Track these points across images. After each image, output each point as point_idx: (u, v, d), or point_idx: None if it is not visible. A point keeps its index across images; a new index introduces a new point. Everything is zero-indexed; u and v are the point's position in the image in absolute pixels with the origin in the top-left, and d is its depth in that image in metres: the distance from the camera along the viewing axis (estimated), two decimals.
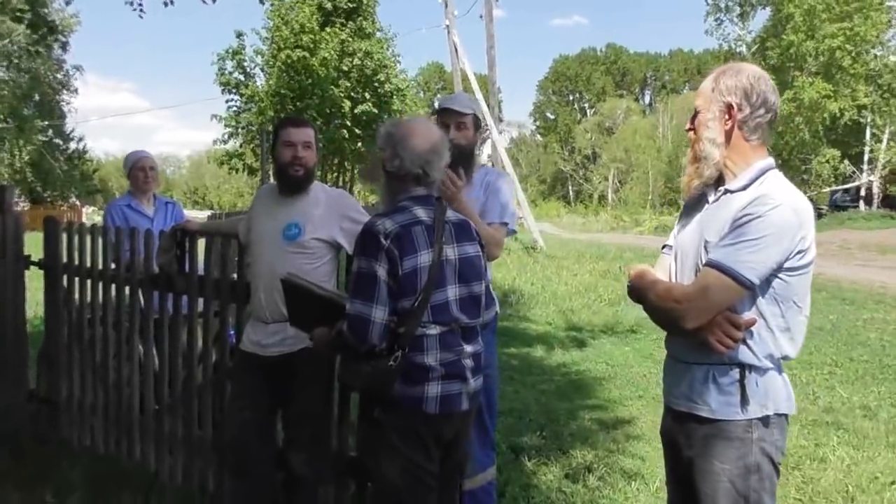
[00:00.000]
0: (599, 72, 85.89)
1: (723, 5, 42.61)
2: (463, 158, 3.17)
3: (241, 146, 24.48)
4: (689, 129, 2.19)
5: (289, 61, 20.24)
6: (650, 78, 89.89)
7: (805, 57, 37.72)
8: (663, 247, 2.36)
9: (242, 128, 23.53)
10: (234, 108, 24.38)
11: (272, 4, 21.25)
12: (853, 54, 37.28)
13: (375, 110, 22.78)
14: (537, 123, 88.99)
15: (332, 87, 20.25)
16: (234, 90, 23.84)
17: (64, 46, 37.67)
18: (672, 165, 58.74)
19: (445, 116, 3.23)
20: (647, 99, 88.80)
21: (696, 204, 2.21)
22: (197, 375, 3.74)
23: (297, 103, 20.42)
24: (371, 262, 2.25)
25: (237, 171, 25.39)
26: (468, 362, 2.44)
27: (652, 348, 7.84)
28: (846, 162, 39.92)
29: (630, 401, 5.74)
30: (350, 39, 21.55)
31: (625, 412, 5.42)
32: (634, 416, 5.31)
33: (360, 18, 22.51)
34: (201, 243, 3.66)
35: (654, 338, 8.52)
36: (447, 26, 20.29)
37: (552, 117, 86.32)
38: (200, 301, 3.68)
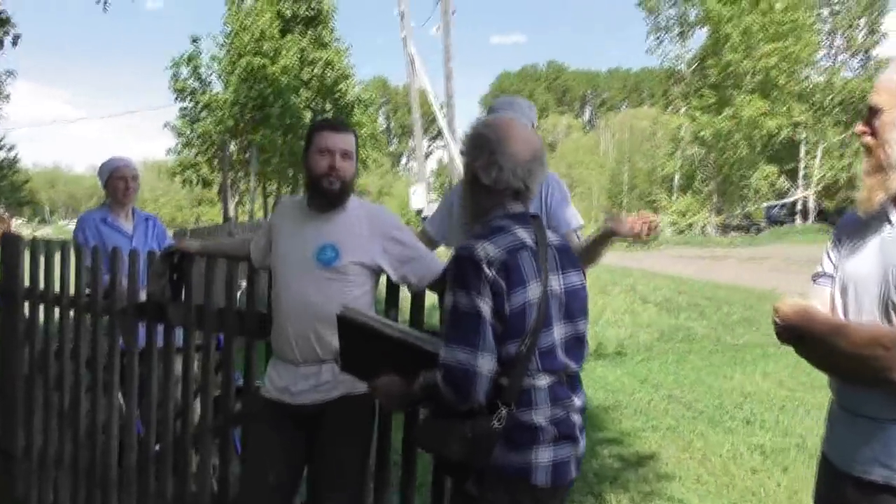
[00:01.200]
0: (541, 88, 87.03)
1: (663, 25, 43.55)
2: None
3: (196, 156, 23.35)
4: (866, 133, 1.78)
5: (249, 68, 19.41)
6: (590, 95, 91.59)
7: (743, 75, 38.72)
8: (816, 276, 1.95)
9: (197, 137, 22.45)
10: (189, 117, 23.27)
11: (229, 9, 20.38)
12: (788, 73, 38.48)
13: None
14: None
15: (293, 96, 19.53)
16: (189, 97, 22.79)
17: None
18: (614, 181, 59.62)
19: None
20: (587, 116, 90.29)
21: (864, 225, 1.81)
22: (192, 419, 3.17)
23: (258, 112, 19.55)
24: (473, 298, 1.78)
25: (191, 182, 24.27)
26: (577, 419, 1.97)
27: (644, 372, 7.51)
28: (783, 177, 41.17)
29: (644, 433, 5.35)
30: (310, 48, 20.87)
31: (644, 447, 5.03)
32: (655, 452, 4.92)
33: (320, 27, 21.89)
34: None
35: (639, 360, 8.24)
36: (404, 38, 19.88)
37: None
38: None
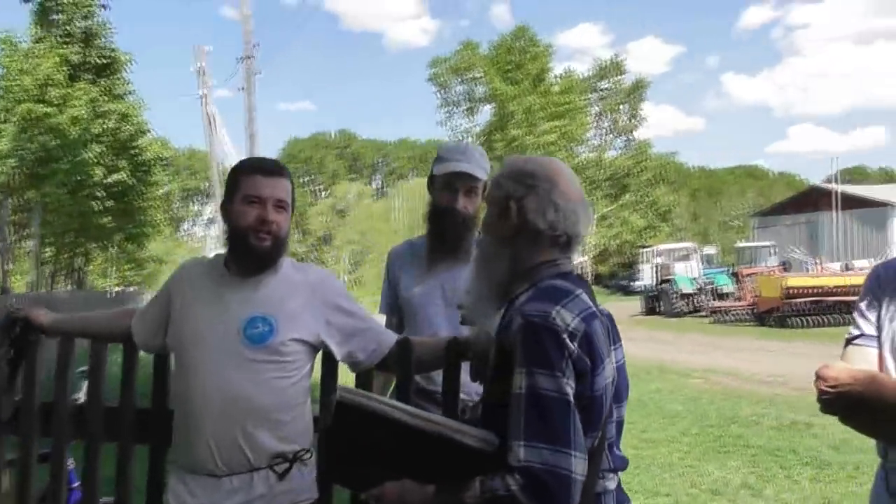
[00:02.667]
0: (332, 156, 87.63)
1: (452, 100, 45.99)
2: (467, 232, 2.51)
3: None
4: None
5: (30, 117, 16.95)
6: (380, 163, 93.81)
7: (526, 150, 41.69)
8: (853, 339, 1.81)
9: None
10: None
11: (3, 51, 17.85)
12: (565, 149, 42.07)
13: (132, 181, 19.88)
14: None
15: (83, 150, 17.35)
16: None
17: None
18: None
19: (454, 178, 2.49)
20: (377, 183, 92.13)
21: None
22: None
23: (40, 168, 17.04)
24: (558, 380, 1.39)
25: None
26: None
27: None
28: None
29: None
30: (102, 99, 18.91)
31: None
32: None
33: (115, 77, 19.93)
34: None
35: None
36: (203, 96, 18.93)
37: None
38: None
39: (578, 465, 1.37)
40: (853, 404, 1.65)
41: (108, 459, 2.39)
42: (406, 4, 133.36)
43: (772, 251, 28.50)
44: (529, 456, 1.37)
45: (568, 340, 1.41)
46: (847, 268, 22.60)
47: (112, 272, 29.90)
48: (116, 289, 27.03)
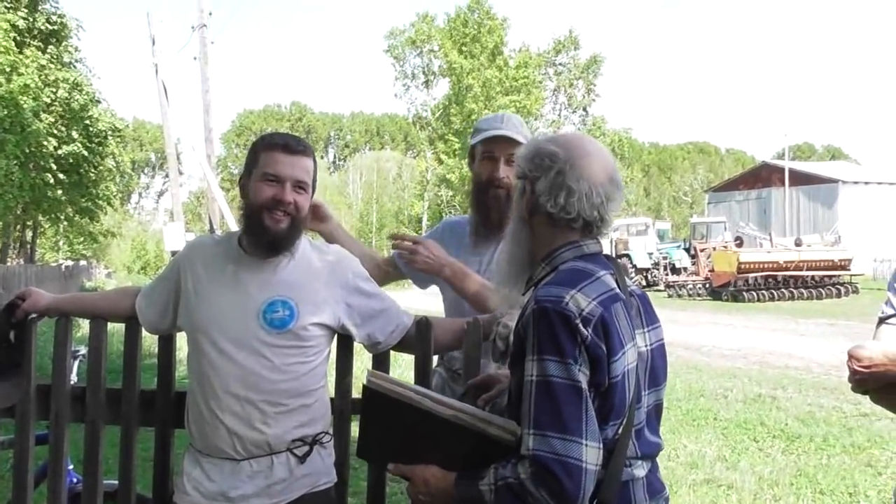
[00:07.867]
0: (285, 128, 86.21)
1: (409, 72, 45.58)
2: (507, 205, 2.41)
3: None
4: None
5: None
6: (333, 137, 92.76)
7: None
8: (887, 318, 1.82)
9: None
10: None
11: None
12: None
13: (85, 152, 19.15)
14: (221, 176, 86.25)
15: (34, 120, 16.55)
16: None
17: None
18: (364, 220, 60.67)
19: (493, 146, 2.39)
20: (331, 157, 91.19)
21: None
22: None
23: None
24: (569, 367, 1.37)
25: None
26: None
27: None
28: None
29: None
30: (51, 67, 18.08)
31: None
32: None
33: (63, 44, 19.01)
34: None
35: None
36: (155, 65, 18.27)
37: (237, 171, 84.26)
38: None
39: (590, 455, 1.35)
40: (887, 384, 1.67)
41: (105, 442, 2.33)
42: None
43: (725, 226, 29.12)
44: (538, 445, 1.35)
45: (581, 326, 1.38)
46: (798, 243, 23.23)
47: (62, 246, 28.97)
48: (68, 262, 26.26)
